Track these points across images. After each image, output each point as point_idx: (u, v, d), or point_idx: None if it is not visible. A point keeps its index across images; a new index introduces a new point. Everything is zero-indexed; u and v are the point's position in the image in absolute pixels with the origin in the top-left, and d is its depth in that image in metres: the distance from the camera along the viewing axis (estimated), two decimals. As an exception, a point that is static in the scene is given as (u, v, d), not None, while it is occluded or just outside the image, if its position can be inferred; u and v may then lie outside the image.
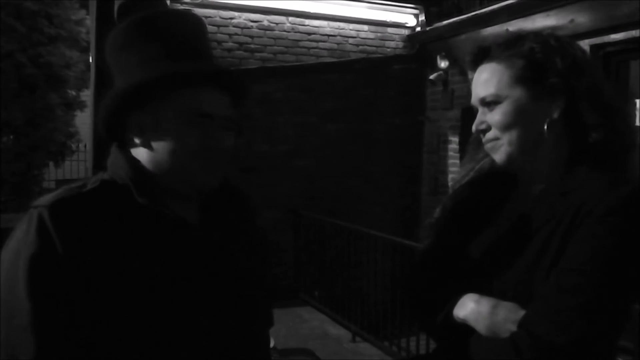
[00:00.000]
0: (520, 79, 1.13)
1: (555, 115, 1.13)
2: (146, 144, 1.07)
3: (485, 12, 5.52)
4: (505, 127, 1.14)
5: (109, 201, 1.03)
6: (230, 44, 5.92)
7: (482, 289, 1.12)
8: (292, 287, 6.07)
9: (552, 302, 1.00)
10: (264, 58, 6.07)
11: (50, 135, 7.44)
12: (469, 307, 1.10)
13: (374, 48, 6.54)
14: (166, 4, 2.52)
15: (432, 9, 6.54)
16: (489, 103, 1.15)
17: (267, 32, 6.07)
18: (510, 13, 5.16)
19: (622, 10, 4.29)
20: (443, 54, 6.00)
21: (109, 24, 2.34)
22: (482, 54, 1.20)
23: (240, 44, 5.97)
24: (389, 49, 6.61)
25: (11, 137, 7.28)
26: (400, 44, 6.66)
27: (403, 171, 6.69)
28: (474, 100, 1.20)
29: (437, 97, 6.48)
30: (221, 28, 5.88)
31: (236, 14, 5.92)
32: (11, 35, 7.12)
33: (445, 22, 6.16)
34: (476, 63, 1.21)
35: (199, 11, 5.76)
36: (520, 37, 1.18)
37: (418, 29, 6.62)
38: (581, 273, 1.00)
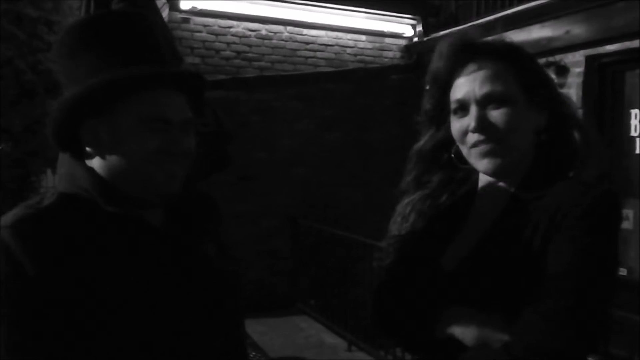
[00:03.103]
0: (523, 83, 1.11)
1: (543, 124, 1.14)
2: (102, 153, 1.03)
3: (481, 22, 5.55)
4: (512, 129, 1.09)
5: (70, 214, 1.00)
6: (228, 53, 5.95)
7: (461, 301, 1.08)
8: (288, 296, 6.06)
9: (541, 308, 0.99)
10: (262, 67, 6.09)
11: (48, 143, 7.39)
12: (454, 320, 1.07)
13: (372, 58, 6.58)
14: (157, 8, 2.50)
15: (429, 20, 6.58)
16: (495, 102, 1.10)
17: (265, 41, 6.11)
18: (506, 24, 5.17)
19: (617, 21, 4.32)
20: (432, 70, 6.01)
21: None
22: (474, 50, 1.15)
23: (239, 52, 5.99)
24: (386, 59, 6.65)
25: (10, 143, 7.26)
26: (398, 54, 6.70)
27: (400, 180, 6.68)
28: (466, 95, 1.12)
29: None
30: (219, 37, 5.91)
31: (235, 22, 5.96)
32: (11, 42, 7.13)
33: (442, 32, 6.19)
34: (464, 58, 1.15)
35: (198, 20, 5.80)
36: (511, 43, 1.17)
37: (415, 39, 6.67)
38: (567, 277, 1.00)
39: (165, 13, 5.66)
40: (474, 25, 5.66)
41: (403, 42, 6.71)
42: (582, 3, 4.47)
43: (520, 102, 1.11)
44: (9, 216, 0.97)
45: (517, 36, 5.11)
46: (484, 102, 1.10)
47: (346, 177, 6.45)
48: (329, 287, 5.64)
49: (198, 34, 5.82)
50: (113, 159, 1.02)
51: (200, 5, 5.75)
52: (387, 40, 6.65)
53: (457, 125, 1.15)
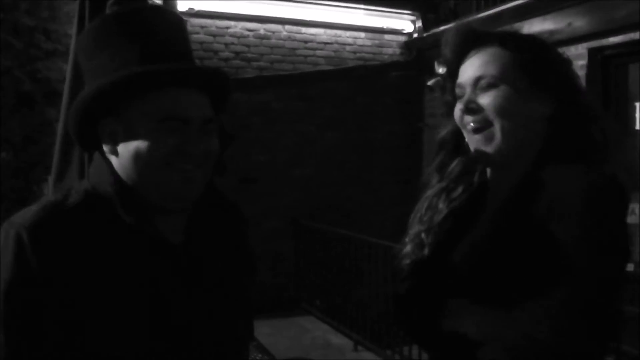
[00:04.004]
0: (525, 68, 1.09)
1: (544, 114, 1.10)
2: (118, 154, 0.99)
3: (481, 17, 5.51)
4: (500, 113, 1.09)
5: (91, 219, 0.97)
6: (226, 54, 5.91)
7: (465, 295, 1.08)
8: (293, 297, 6.04)
9: (547, 302, 0.97)
10: (260, 67, 6.06)
11: (48, 151, 7.42)
12: (456, 315, 1.07)
13: (372, 55, 6.54)
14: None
15: (429, 15, 6.53)
16: (485, 85, 1.10)
17: (264, 40, 6.07)
18: (507, 17, 5.14)
19: (620, 13, 4.27)
20: (441, 59, 5.97)
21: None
22: (476, 38, 1.15)
23: (237, 53, 5.96)
24: (386, 56, 6.61)
25: (10, 152, 7.28)
26: (398, 51, 6.65)
27: (402, 178, 6.66)
28: (464, 80, 1.14)
29: (436, 103, 6.45)
30: (217, 37, 5.88)
31: (232, 23, 5.92)
32: (8, 52, 7.14)
33: (442, 27, 6.15)
34: (467, 46, 1.15)
35: (195, 21, 5.76)
36: (516, 31, 1.16)
37: (415, 35, 6.63)
38: (573, 271, 0.97)
39: (162, 16, 5.64)
40: (472, 20, 5.62)
41: (403, 39, 6.67)
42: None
43: (518, 87, 1.09)
44: (30, 214, 0.95)
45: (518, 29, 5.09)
46: (475, 85, 1.11)
47: (348, 176, 6.42)
48: (334, 287, 5.62)
49: (195, 36, 5.78)
50: (128, 159, 0.98)
51: (198, 6, 5.71)
52: (387, 36, 6.60)
53: (457, 108, 1.16)
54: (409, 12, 6.56)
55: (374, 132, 6.55)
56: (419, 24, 6.58)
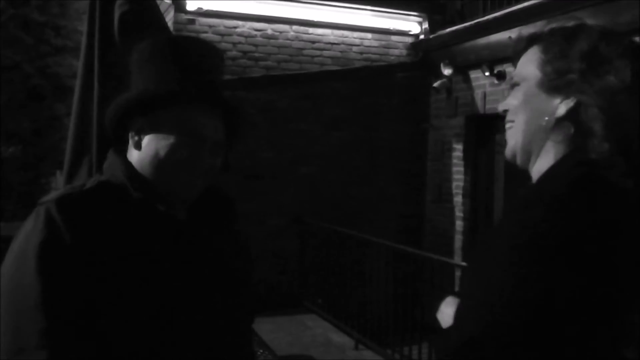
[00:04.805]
0: (542, 65, 1.05)
1: (561, 112, 1.02)
2: (141, 147, 1.16)
3: (488, 19, 5.53)
4: (515, 112, 1.08)
5: (107, 198, 1.13)
6: (234, 53, 5.96)
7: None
8: (295, 295, 6.08)
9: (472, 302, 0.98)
10: (268, 66, 6.10)
11: (57, 145, 7.53)
12: (440, 307, 1.13)
13: (378, 56, 6.56)
14: (163, 20, 2.51)
15: (435, 17, 6.55)
16: (511, 84, 1.11)
17: (271, 40, 6.11)
18: (512, 21, 5.16)
19: (624, 17, 4.28)
20: (447, 61, 6.01)
21: (108, 35, 2.35)
22: (528, 40, 1.11)
23: (245, 52, 6.00)
24: (392, 57, 6.63)
25: (19, 146, 7.35)
26: (404, 52, 6.67)
27: (407, 179, 6.69)
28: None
29: (441, 104, 6.48)
30: (225, 37, 5.92)
31: (240, 22, 5.96)
32: (18, 47, 7.22)
33: (448, 29, 6.18)
34: (520, 50, 1.12)
35: (204, 20, 5.81)
36: (574, 26, 1.08)
37: (422, 36, 6.64)
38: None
39: (170, 15, 5.68)
40: (479, 22, 5.64)
41: (409, 40, 6.68)
42: (588, -1, 4.44)
43: (533, 84, 1.06)
44: (54, 193, 1.12)
45: (524, 33, 5.11)
46: (511, 86, 1.12)
47: (352, 175, 6.45)
48: (336, 285, 5.65)
49: (204, 35, 5.83)
50: (148, 154, 1.15)
51: (206, 6, 5.76)
52: (393, 38, 6.62)
53: None
54: (415, 13, 6.58)
55: (379, 132, 6.58)
56: (426, 25, 6.59)
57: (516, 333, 0.88)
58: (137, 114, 1.16)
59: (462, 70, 6.04)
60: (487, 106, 5.77)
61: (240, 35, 5.98)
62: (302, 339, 5.17)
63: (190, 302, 1.12)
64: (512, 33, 5.21)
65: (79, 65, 2.41)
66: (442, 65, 6.06)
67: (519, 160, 1.10)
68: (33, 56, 7.35)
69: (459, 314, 1.01)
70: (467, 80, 6.03)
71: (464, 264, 5.05)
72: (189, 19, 5.77)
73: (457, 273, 5.17)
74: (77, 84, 2.40)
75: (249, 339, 1.34)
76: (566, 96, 1.02)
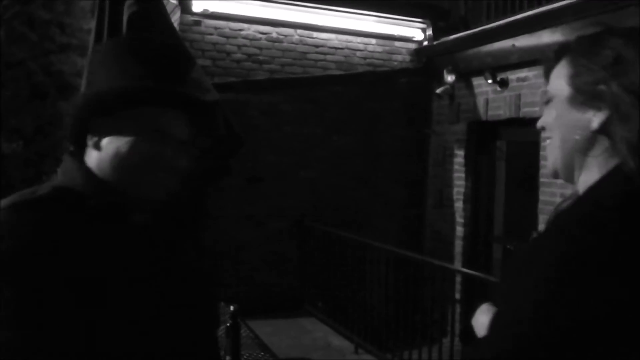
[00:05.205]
0: (570, 79, 1.03)
1: (594, 126, 0.99)
2: (101, 147, 1.11)
3: (491, 27, 5.56)
4: (551, 128, 1.07)
5: (61, 205, 1.06)
6: (239, 55, 5.98)
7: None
8: (296, 298, 6.09)
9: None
10: (272, 70, 6.12)
11: (59, 143, 7.52)
12: (478, 317, 1.09)
13: (381, 61, 6.59)
14: (170, 21, 2.53)
15: (439, 24, 6.58)
16: (545, 99, 1.09)
17: (276, 44, 6.13)
18: (516, 28, 5.20)
19: (628, 25, 4.31)
20: (450, 68, 6.04)
21: (116, 35, 2.37)
22: (561, 51, 1.08)
23: (249, 55, 6.02)
24: (396, 63, 6.66)
25: (21, 143, 7.35)
26: (408, 58, 6.70)
27: (408, 184, 6.71)
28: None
29: (444, 110, 6.51)
30: (230, 39, 5.94)
31: (245, 25, 5.98)
32: (23, 44, 7.22)
33: (452, 36, 6.21)
34: (557, 59, 1.09)
35: (209, 22, 5.83)
36: (601, 33, 1.04)
37: (425, 43, 6.67)
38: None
39: (177, 16, 5.70)
40: (482, 30, 5.67)
41: (413, 46, 6.71)
42: (593, 8, 4.46)
43: (564, 99, 1.04)
44: (5, 201, 1.05)
45: (527, 41, 5.17)
46: (545, 101, 1.11)
47: (354, 179, 6.47)
48: (337, 289, 5.66)
49: (209, 37, 5.85)
50: (109, 155, 1.10)
51: (212, 8, 5.78)
52: (397, 43, 6.65)
53: None
54: (419, 20, 6.61)
55: (381, 137, 6.60)
56: (430, 32, 6.62)
57: (554, 351, 0.87)
58: (97, 114, 1.11)
59: (465, 76, 6.07)
60: (489, 113, 5.80)
61: (245, 37, 6.00)
62: (302, 343, 5.18)
63: (150, 310, 1.06)
64: (516, 41, 5.26)
65: (85, 63, 2.43)
66: (445, 71, 6.09)
67: (562, 177, 1.09)
68: (37, 53, 7.35)
69: (494, 326, 0.99)
70: (470, 86, 6.06)
71: (464, 269, 5.08)
72: (194, 21, 5.79)
73: (458, 278, 5.19)
74: (83, 83, 2.42)
75: (216, 343, 1.29)
76: (598, 109, 0.99)
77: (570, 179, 1.07)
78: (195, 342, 1.15)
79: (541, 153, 4.88)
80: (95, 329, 0.99)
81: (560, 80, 1.05)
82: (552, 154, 1.08)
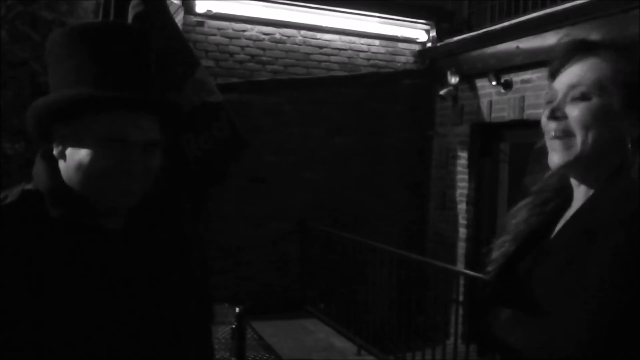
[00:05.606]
0: (621, 84, 1.03)
1: (636, 134, 1.01)
2: (65, 157, 1.08)
3: (495, 29, 5.56)
4: (584, 126, 1.03)
5: (26, 214, 1.04)
6: (242, 56, 5.97)
7: (521, 306, 1.07)
8: (298, 299, 6.08)
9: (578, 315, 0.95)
10: (275, 70, 6.11)
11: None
12: (507, 326, 1.07)
13: (385, 62, 6.58)
14: (174, 21, 2.51)
15: (443, 25, 6.57)
16: (577, 94, 1.05)
17: (279, 44, 6.12)
18: (520, 30, 5.19)
19: (634, 28, 4.30)
20: (453, 69, 6.02)
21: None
22: (582, 47, 1.09)
23: (252, 56, 6.02)
24: (399, 64, 6.65)
25: (22, 143, 7.37)
26: (411, 59, 6.69)
27: (411, 185, 6.70)
28: (558, 85, 1.09)
29: (447, 112, 6.50)
30: (233, 40, 5.94)
31: (249, 26, 5.98)
32: (26, 44, 7.23)
33: (455, 38, 6.20)
34: (573, 53, 1.10)
35: (213, 23, 5.83)
36: (625, 41, 1.08)
37: (429, 44, 6.66)
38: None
39: (180, 16, 5.69)
40: (486, 32, 5.65)
41: (416, 47, 6.70)
42: (598, 10, 4.45)
43: (610, 103, 1.03)
44: None
45: (531, 43, 5.16)
46: (567, 92, 1.07)
47: (357, 181, 6.46)
48: (339, 290, 5.65)
49: (212, 37, 5.85)
50: (72, 165, 1.07)
51: (215, 9, 5.78)
52: (401, 45, 6.64)
53: (544, 113, 1.12)
54: (423, 21, 6.60)
55: (383, 138, 6.59)
56: (433, 33, 6.61)
57: (618, 356, 0.86)
58: (57, 119, 1.07)
59: (469, 78, 6.05)
60: (493, 115, 5.78)
61: (248, 38, 5.99)
62: (304, 344, 5.17)
63: (118, 321, 1.04)
64: (520, 43, 5.25)
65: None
66: (448, 73, 6.08)
67: (575, 172, 1.09)
68: (40, 53, 7.36)
69: (542, 331, 0.96)
70: (473, 88, 6.05)
71: (467, 271, 5.06)
72: (198, 21, 5.78)
73: (460, 280, 5.18)
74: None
75: (192, 349, 1.23)
76: (637, 119, 1.01)
77: (582, 179, 1.08)
78: (173, 346, 1.12)
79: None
80: (52, 338, 0.97)
81: (603, 81, 1.04)
82: (575, 152, 1.05)
